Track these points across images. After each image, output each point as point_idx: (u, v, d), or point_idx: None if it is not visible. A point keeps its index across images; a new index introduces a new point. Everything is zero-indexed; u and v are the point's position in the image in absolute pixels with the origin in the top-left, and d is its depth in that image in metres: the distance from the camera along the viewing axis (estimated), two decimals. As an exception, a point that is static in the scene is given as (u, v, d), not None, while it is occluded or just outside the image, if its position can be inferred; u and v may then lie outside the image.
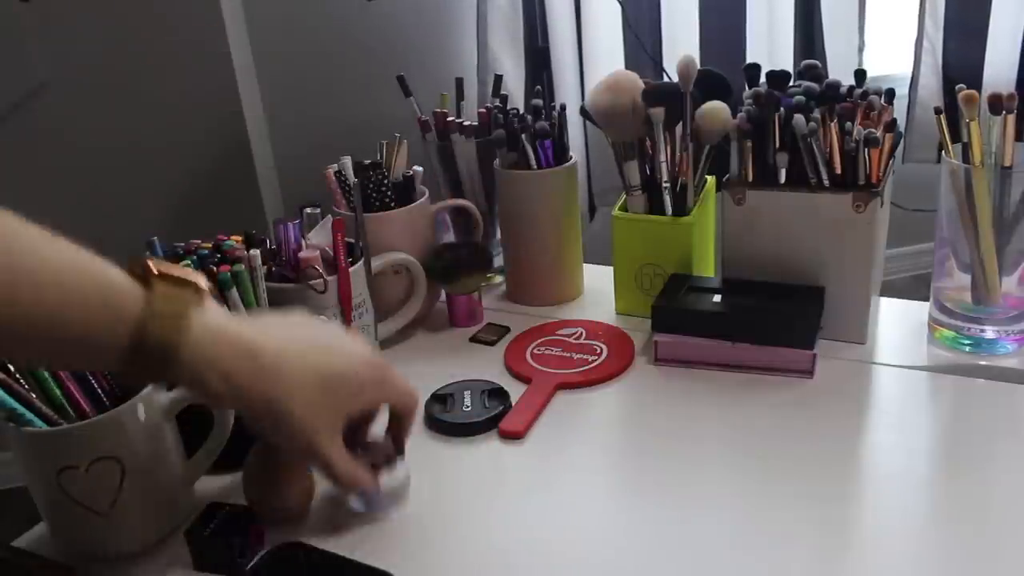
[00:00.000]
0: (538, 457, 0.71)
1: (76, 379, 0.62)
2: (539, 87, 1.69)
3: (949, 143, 0.75)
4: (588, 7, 1.72)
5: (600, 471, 0.71)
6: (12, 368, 0.59)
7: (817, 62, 0.85)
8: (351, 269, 0.77)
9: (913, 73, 1.83)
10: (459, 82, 1.00)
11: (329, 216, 0.81)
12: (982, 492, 0.64)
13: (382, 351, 0.85)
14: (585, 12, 1.72)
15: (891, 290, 0.87)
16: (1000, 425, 0.71)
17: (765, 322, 0.78)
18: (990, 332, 0.78)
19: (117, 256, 0.51)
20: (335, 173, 0.87)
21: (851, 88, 0.81)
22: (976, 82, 1.80)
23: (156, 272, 0.51)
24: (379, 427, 0.65)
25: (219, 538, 0.60)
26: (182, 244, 0.72)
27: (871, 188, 0.77)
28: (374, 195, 0.87)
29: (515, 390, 0.78)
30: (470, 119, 0.96)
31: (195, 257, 0.70)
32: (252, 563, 0.57)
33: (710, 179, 0.90)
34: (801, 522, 0.62)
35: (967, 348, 0.79)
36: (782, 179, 0.79)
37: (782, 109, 0.78)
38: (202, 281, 0.53)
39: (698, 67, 0.83)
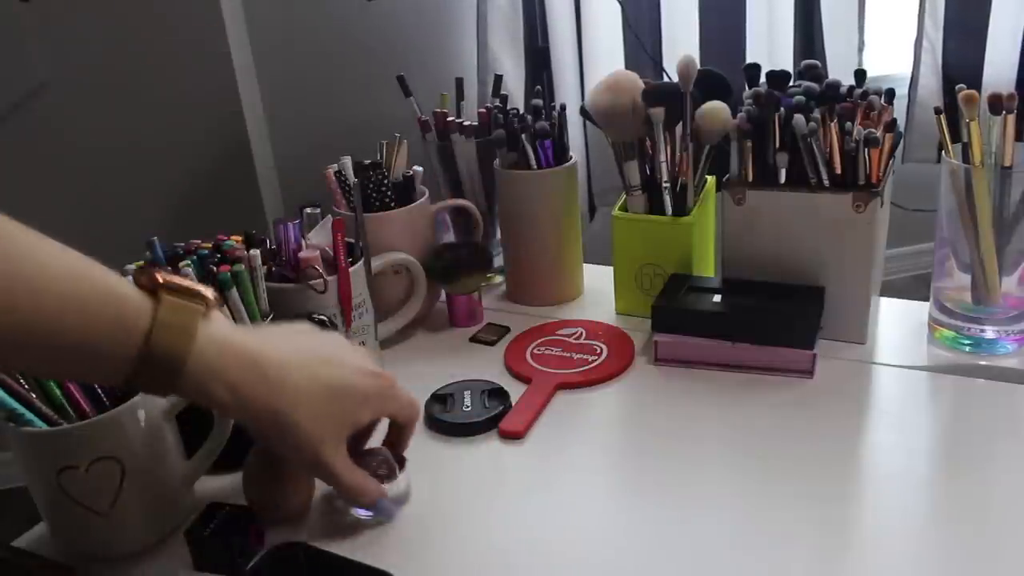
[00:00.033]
0: (538, 457, 0.71)
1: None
2: (539, 87, 1.69)
3: (949, 143, 0.75)
4: (588, 7, 1.72)
5: (600, 471, 0.71)
6: (12, 368, 0.59)
7: (817, 62, 0.85)
8: (351, 269, 0.77)
9: (913, 73, 1.83)
10: (459, 82, 1.00)
11: (329, 216, 0.81)
12: (982, 492, 0.64)
13: (382, 351, 0.85)
14: (585, 12, 1.72)
15: (891, 290, 0.87)
16: (1000, 425, 0.71)
17: (765, 322, 0.78)
18: (990, 332, 0.78)
19: (117, 256, 0.51)
20: (335, 173, 0.87)
21: (851, 88, 0.81)
22: (976, 82, 1.80)
23: (163, 283, 0.51)
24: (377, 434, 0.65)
25: (219, 538, 0.60)
26: (182, 244, 0.72)
27: (871, 188, 0.77)
28: (374, 195, 0.87)
29: (515, 390, 0.78)
30: (470, 119, 0.96)
31: (195, 257, 0.70)
32: (252, 563, 0.57)
33: (710, 179, 0.90)
34: (801, 522, 0.62)
35: (967, 348, 0.79)
36: (782, 179, 0.79)
37: (782, 109, 0.78)
38: (209, 292, 0.53)
39: (698, 67, 0.83)
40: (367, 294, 0.80)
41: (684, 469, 0.68)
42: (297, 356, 0.56)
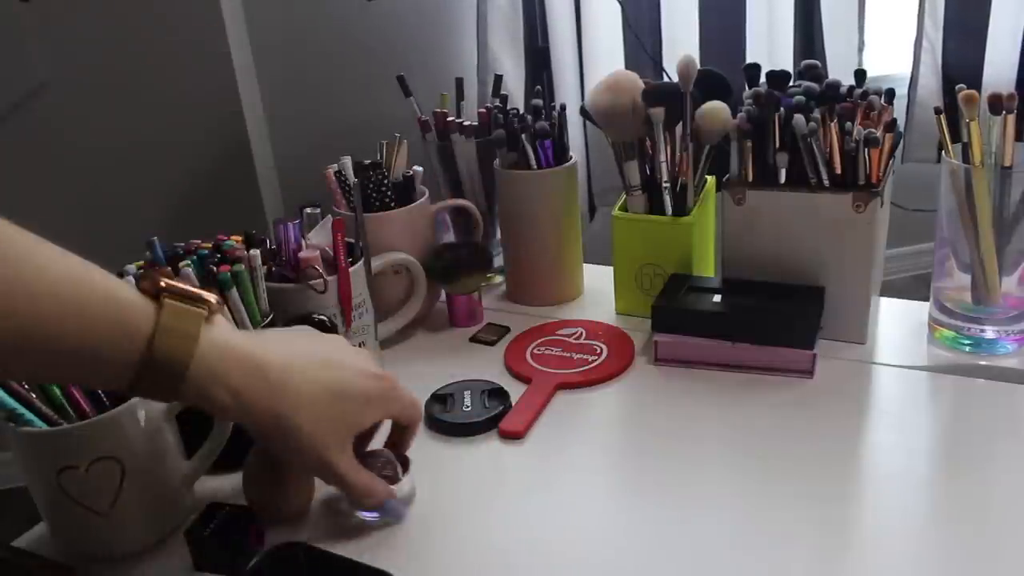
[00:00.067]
0: (538, 457, 0.71)
1: (76, 379, 0.61)
2: (539, 87, 1.69)
3: (949, 143, 0.75)
4: (588, 7, 1.72)
5: (600, 471, 0.71)
6: (12, 368, 0.59)
7: (817, 62, 0.85)
8: (351, 269, 0.77)
9: (912, 73, 1.83)
10: (459, 82, 1.00)
11: (329, 216, 0.81)
12: (982, 492, 0.64)
13: (382, 351, 0.85)
14: (585, 12, 1.72)
15: (891, 290, 0.87)
16: (1000, 425, 0.71)
17: (765, 322, 0.78)
18: (990, 332, 0.78)
19: (117, 256, 0.51)
20: (335, 173, 0.87)
21: (851, 88, 0.81)
22: (976, 82, 1.80)
23: (165, 287, 0.51)
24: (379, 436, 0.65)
25: (219, 538, 0.60)
26: (182, 244, 0.72)
27: (871, 188, 0.77)
28: (374, 195, 0.87)
29: (515, 390, 0.78)
30: (470, 119, 0.96)
31: (195, 257, 0.70)
32: (252, 563, 0.57)
33: (710, 179, 0.90)
34: (801, 522, 0.62)
35: (967, 348, 0.79)
36: (782, 179, 0.79)
37: (782, 109, 0.78)
38: (212, 297, 0.53)
39: (698, 67, 0.83)
40: (367, 294, 0.80)
41: (684, 469, 0.68)
42: (298, 359, 0.56)
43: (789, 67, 1.01)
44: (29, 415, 0.58)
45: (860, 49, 1.95)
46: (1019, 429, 0.71)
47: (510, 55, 1.72)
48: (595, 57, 1.75)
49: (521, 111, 0.95)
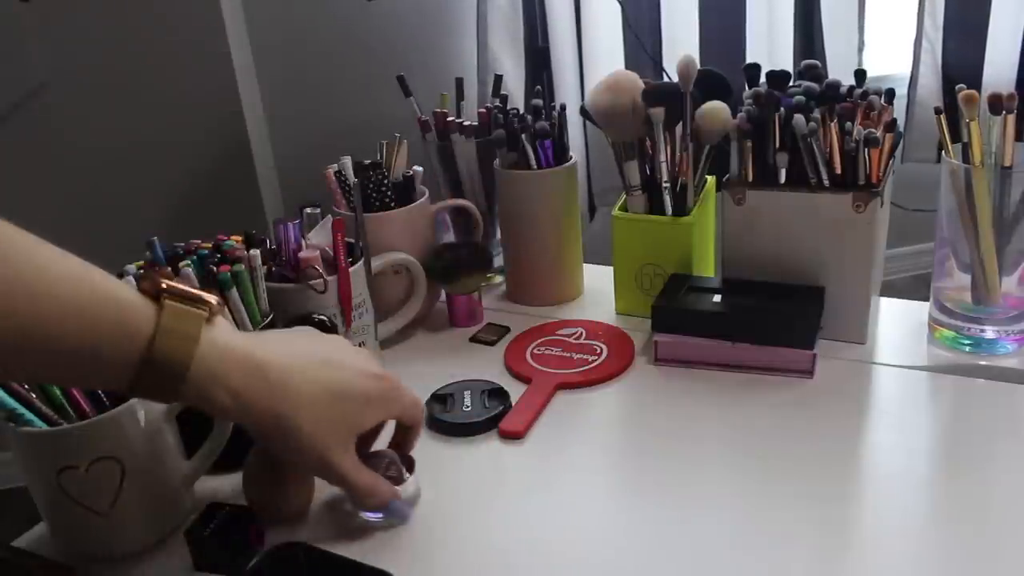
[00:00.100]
0: (538, 457, 0.71)
1: (76, 379, 0.61)
2: (539, 87, 1.69)
3: (949, 143, 0.75)
4: (588, 7, 1.72)
5: (600, 471, 0.71)
6: (12, 368, 0.59)
7: (817, 62, 0.85)
8: (351, 269, 0.77)
9: (912, 73, 1.83)
10: (459, 82, 1.00)
11: (329, 216, 0.81)
12: (982, 492, 0.64)
13: (382, 351, 0.85)
14: (585, 12, 1.72)
15: (891, 290, 0.87)
16: (1000, 425, 0.71)
17: (765, 322, 0.78)
18: (990, 332, 0.78)
19: (117, 256, 0.51)
20: (335, 173, 0.87)
21: (851, 88, 0.81)
22: (976, 82, 1.80)
23: (166, 288, 0.51)
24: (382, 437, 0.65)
25: (219, 538, 0.60)
26: (182, 244, 0.72)
27: (871, 188, 0.77)
28: (374, 195, 0.87)
29: (515, 390, 0.78)
30: (470, 119, 0.96)
31: (195, 257, 0.70)
32: (252, 563, 0.57)
33: (710, 179, 0.90)
34: (801, 522, 0.62)
35: (967, 348, 0.79)
36: (782, 179, 0.79)
37: (782, 109, 0.78)
38: (212, 298, 0.53)
39: (698, 67, 0.83)
40: (367, 294, 0.80)
41: (684, 469, 0.68)
42: (299, 360, 0.56)
43: (789, 67, 1.01)
44: (29, 415, 0.58)
45: (860, 49, 1.95)
46: (1019, 429, 0.71)
47: (510, 55, 1.72)
48: (595, 57, 1.75)
49: (521, 111, 0.95)
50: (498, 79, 1.09)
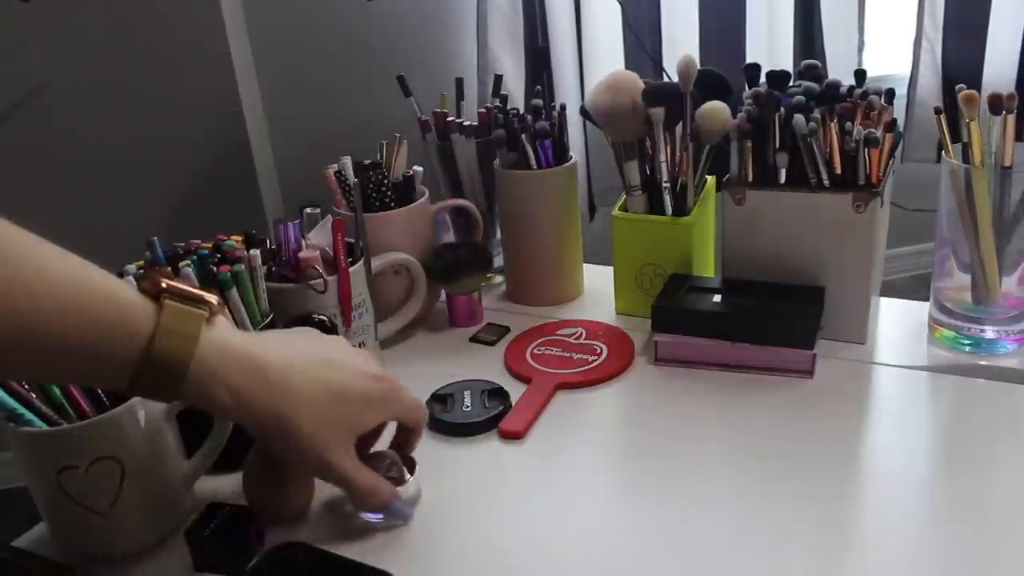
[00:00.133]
0: (538, 457, 0.71)
1: (76, 379, 0.61)
2: (539, 87, 1.68)
3: (949, 143, 0.75)
4: (588, 7, 1.72)
5: (600, 471, 0.71)
6: (12, 368, 0.59)
7: (817, 62, 0.85)
8: (351, 269, 0.77)
9: (912, 73, 1.83)
10: (459, 82, 1.00)
11: (329, 216, 0.81)
12: (982, 492, 0.64)
13: (382, 351, 0.85)
14: (585, 12, 1.72)
15: (891, 290, 0.87)
16: (1000, 425, 0.71)
17: (765, 322, 0.78)
18: (990, 332, 0.78)
19: (117, 256, 0.51)
20: (335, 173, 0.87)
21: (851, 88, 0.81)
22: (976, 82, 1.80)
23: (166, 288, 0.51)
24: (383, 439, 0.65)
25: (219, 538, 0.60)
26: (182, 244, 0.72)
27: (871, 188, 0.77)
28: (374, 195, 0.87)
29: (515, 390, 0.78)
30: (470, 119, 0.96)
31: (195, 257, 0.70)
32: (252, 563, 0.57)
33: (710, 179, 0.90)
34: (801, 522, 0.62)
35: (967, 348, 0.79)
36: (782, 179, 0.79)
37: (782, 109, 0.78)
38: (212, 297, 0.53)
39: (698, 67, 0.83)
40: (367, 294, 0.80)
41: (684, 469, 0.68)
42: (299, 359, 0.56)
43: (789, 67, 1.01)
44: (29, 415, 0.58)
45: (860, 49, 1.95)
46: (1019, 429, 0.71)
47: (510, 55, 1.72)
48: (595, 57, 1.75)
49: (521, 111, 0.95)
50: (498, 79, 1.09)
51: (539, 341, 0.86)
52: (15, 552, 0.63)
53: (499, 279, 1.00)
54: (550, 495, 0.67)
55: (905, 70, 1.85)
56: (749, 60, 1.26)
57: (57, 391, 0.60)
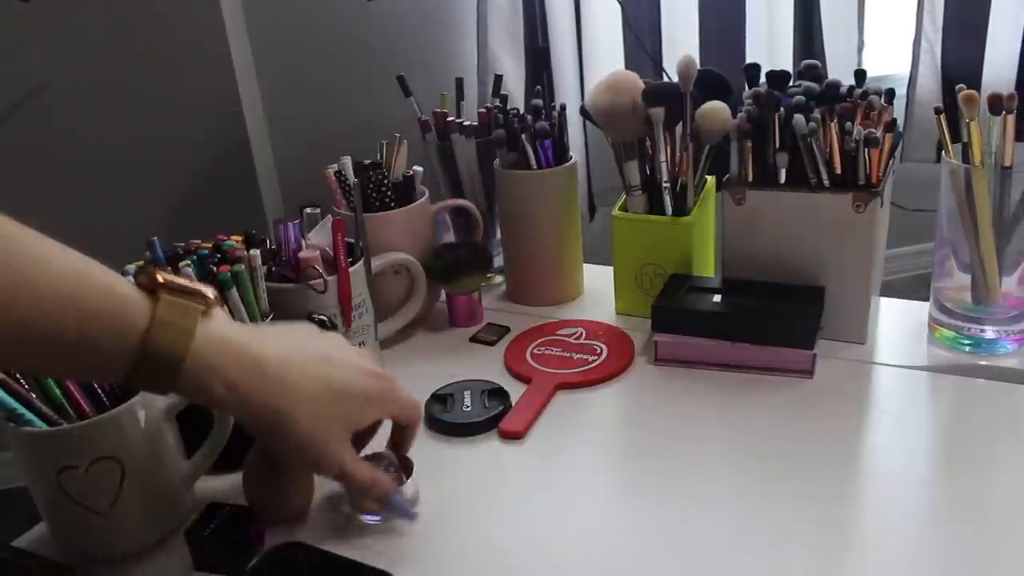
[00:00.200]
0: (538, 457, 0.71)
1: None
2: (539, 87, 1.68)
3: (949, 143, 0.75)
4: (588, 7, 1.72)
5: (600, 471, 0.71)
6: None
7: (817, 62, 0.85)
8: (351, 269, 0.77)
9: (911, 72, 1.83)
10: (459, 82, 1.00)
11: (329, 216, 0.81)
12: (982, 492, 0.64)
13: (382, 351, 0.85)
14: (585, 12, 1.72)
15: (891, 290, 0.87)
16: (1000, 425, 0.71)
17: (765, 322, 0.78)
18: (990, 332, 0.78)
19: (117, 256, 0.52)
20: (335, 173, 0.87)
21: (851, 88, 0.81)
22: (975, 82, 1.80)
23: (163, 282, 0.51)
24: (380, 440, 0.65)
25: (219, 538, 0.60)
26: (182, 244, 0.72)
27: (871, 188, 0.77)
28: (374, 195, 0.87)
29: (515, 390, 0.78)
30: (470, 119, 0.96)
31: (195, 257, 0.70)
32: (252, 563, 0.57)
33: (710, 179, 0.90)
34: (801, 522, 0.62)
35: (967, 348, 0.79)
36: (782, 179, 0.79)
37: (782, 109, 0.78)
38: (209, 292, 0.53)
39: (698, 67, 0.83)
40: (367, 294, 0.80)
41: (684, 469, 0.68)
42: (297, 355, 0.56)
43: (789, 67, 1.01)
44: (29, 415, 0.58)
45: (860, 49, 1.95)
46: (1019, 429, 0.71)
47: (510, 55, 1.72)
48: (595, 57, 1.75)
49: (521, 111, 0.95)
50: (498, 79, 1.09)
51: (539, 341, 0.86)
52: (15, 552, 0.63)
53: (499, 279, 1.00)
54: (550, 495, 0.67)
55: (905, 70, 1.85)
56: (749, 60, 1.26)
57: (57, 391, 0.60)
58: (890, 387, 0.77)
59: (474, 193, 0.97)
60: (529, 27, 1.72)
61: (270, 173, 1.75)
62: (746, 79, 0.85)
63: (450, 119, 0.95)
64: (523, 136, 0.89)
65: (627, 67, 1.73)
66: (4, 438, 0.58)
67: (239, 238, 0.74)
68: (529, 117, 0.91)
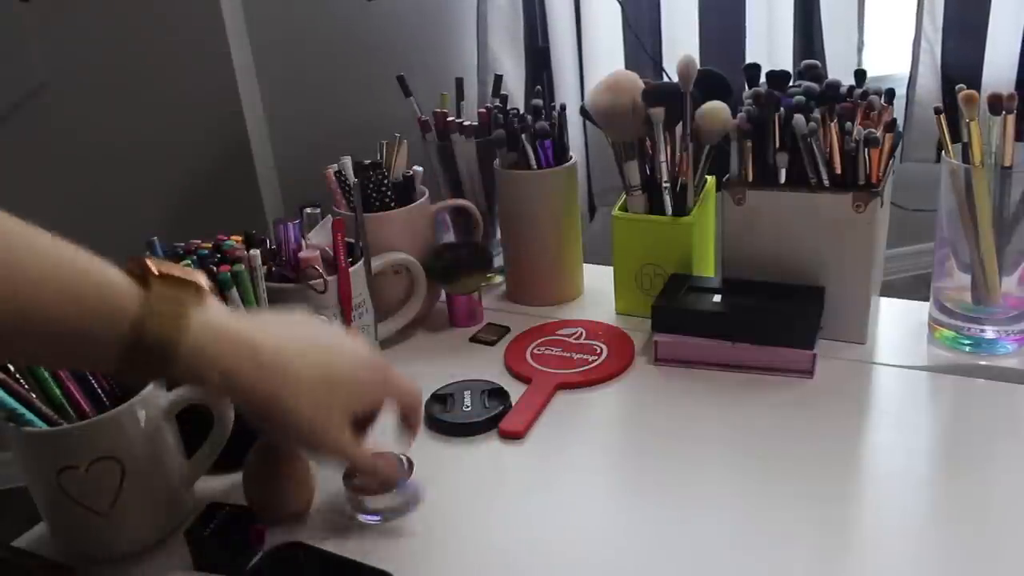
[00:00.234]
0: (538, 457, 0.71)
1: (76, 379, 0.62)
2: (539, 87, 1.68)
3: (949, 143, 0.75)
4: (588, 7, 1.72)
5: (600, 471, 0.71)
6: (12, 368, 0.59)
7: (817, 62, 0.85)
8: (351, 269, 0.77)
9: (911, 72, 1.83)
10: (459, 82, 1.00)
11: (329, 216, 0.81)
12: (982, 492, 0.64)
13: (382, 351, 0.85)
14: (585, 12, 1.72)
15: (891, 290, 0.87)
16: (1000, 425, 0.71)
17: (765, 322, 0.78)
18: (990, 332, 0.78)
19: (117, 256, 0.51)
20: (335, 173, 0.87)
21: (851, 88, 0.81)
22: (975, 82, 1.80)
23: (155, 271, 0.51)
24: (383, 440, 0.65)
25: (219, 538, 0.60)
26: (182, 244, 0.72)
27: (871, 188, 0.77)
28: (374, 195, 0.87)
29: (515, 390, 0.78)
30: (470, 119, 0.96)
31: (195, 257, 0.70)
32: (252, 563, 0.57)
33: (710, 179, 0.90)
34: (801, 522, 0.62)
35: (967, 348, 0.79)
36: (782, 179, 0.79)
37: (782, 109, 0.78)
38: (202, 280, 0.53)
39: (698, 67, 0.83)
40: (367, 294, 0.80)
41: (684, 469, 0.68)
42: (293, 343, 0.56)
43: (789, 67, 1.01)
44: (29, 415, 0.58)
45: (860, 49, 1.95)
46: (1019, 429, 0.71)
47: (510, 55, 1.72)
48: (595, 57, 1.75)
49: (521, 111, 0.95)
50: (498, 79, 1.09)
51: (539, 341, 0.86)
52: (15, 552, 0.63)
53: (499, 279, 1.00)
54: (550, 495, 0.67)
55: (905, 70, 1.84)
56: (749, 60, 1.26)
57: (57, 391, 0.60)
58: (890, 387, 0.77)
59: (474, 193, 0.97)
60: (529, 27, 1.72)
61: (270, 173, 1.75)
62: (746, 79, 0.85)
63: (450, 119, 0.95)
64: (523, 136, 0.89)
65: (627, 67, 1.73)
66: (4, 438, 0.58)
67: (239, 238, 0.74)
68: (529, 117, 0.91)
